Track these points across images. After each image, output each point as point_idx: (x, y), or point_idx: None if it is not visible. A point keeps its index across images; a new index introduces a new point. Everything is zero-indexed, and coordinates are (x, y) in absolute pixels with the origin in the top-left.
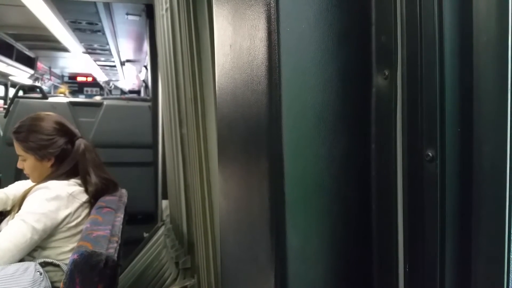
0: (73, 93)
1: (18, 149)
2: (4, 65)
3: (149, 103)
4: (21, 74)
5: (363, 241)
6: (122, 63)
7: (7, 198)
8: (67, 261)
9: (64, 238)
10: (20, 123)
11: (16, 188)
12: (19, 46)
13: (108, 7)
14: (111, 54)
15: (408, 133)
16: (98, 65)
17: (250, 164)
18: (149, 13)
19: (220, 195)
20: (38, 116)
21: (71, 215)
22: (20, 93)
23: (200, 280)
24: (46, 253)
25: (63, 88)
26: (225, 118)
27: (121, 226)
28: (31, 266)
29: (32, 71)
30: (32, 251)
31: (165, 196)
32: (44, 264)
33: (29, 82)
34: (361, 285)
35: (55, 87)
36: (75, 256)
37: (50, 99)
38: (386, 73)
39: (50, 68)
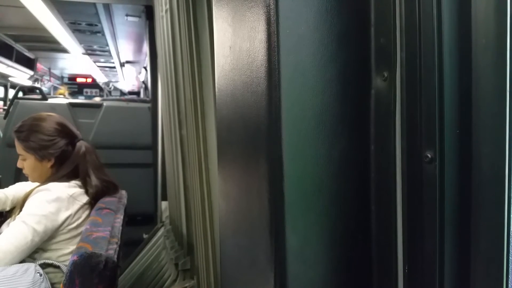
0: (73, 94)
1: (18, 148)
2: (4, 66)
3: (148, 105)
4: (20, 75)
5: (363, 242)
6: (122, 64)
7: (6, 198)
8: (68, 263)
9: (65, 240)
10: (22, 122)
11: (16, 188)
12: (18, 47)
13: (107, 8)
14: (110, 55)
15: (407, 135)
16: (98, 66)
17: (249, 166)
18: (149, 14)
19: (220, 196)
20: (40, 116)
21: (71, 217)
22: (20, 94)
23: (199, 281)
24: (47, 255)
25: (62, 89)
26: (224, 119)
27: (120, 228)
28: (31, 267)
29: (31, 72)
30: (33, 253)
31: (164, 198)
32: (44, 266)
33: (28, 83)
34: (361, 286)
35: (55, 88)
36: (75, 258)
37: (50, 100)
38: (385, 75)
39: (49, 69)
